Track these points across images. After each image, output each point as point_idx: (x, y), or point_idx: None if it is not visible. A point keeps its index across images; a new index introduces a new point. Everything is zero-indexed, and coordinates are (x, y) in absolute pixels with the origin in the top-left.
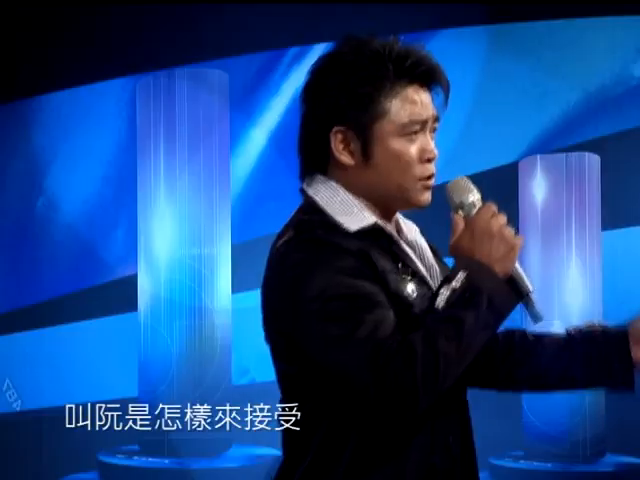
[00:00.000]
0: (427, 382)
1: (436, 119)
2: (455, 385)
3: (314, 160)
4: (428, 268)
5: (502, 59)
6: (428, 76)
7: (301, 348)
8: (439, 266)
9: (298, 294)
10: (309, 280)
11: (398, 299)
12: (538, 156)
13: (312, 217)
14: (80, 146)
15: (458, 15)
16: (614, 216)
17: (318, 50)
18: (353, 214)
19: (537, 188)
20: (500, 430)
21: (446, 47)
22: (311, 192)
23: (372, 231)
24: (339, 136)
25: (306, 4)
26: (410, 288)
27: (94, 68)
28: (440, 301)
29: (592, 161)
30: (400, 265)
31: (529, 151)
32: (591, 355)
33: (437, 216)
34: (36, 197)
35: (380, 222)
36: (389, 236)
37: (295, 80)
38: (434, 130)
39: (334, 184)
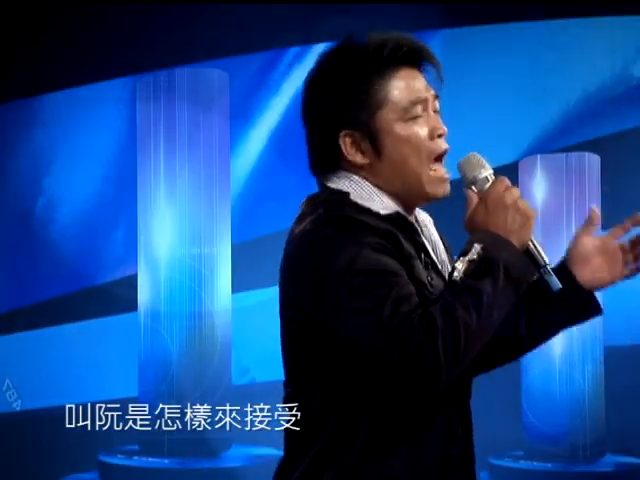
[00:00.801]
0: (449, 353)
1: (435, 97)
2: (465, 375)
3: (327, 164)
4: (440, 263)
5: (502, 58)
6: (414, 57)
7: (322, 325)
8: (449, 263)
9: (324, 268)
10: (336, 254)
11: (419, 285)
12: (538, 156)
13: (340, 197)
14: (80, 146)
15: (459, 15)
16: (614, 216)
17: (318, 50)
18: (376, 202)
19: (537, 188)
20: (500, 430)
21: (447, 47)
22: (332, 184)
23: (396, 219)
24: (347, 139)
25: (306, 4)
26: (430, 277)
27: (94, 68)
28: (457, 273)
29: (592, 161)
30: (422, 254)
31: (529, 151)
32: (546, 300)
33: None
34: (36, 197)
35: (402, 211)
36: (411, 225)
37: (295, 80)
38: (437, 109)
39: (354, 176)
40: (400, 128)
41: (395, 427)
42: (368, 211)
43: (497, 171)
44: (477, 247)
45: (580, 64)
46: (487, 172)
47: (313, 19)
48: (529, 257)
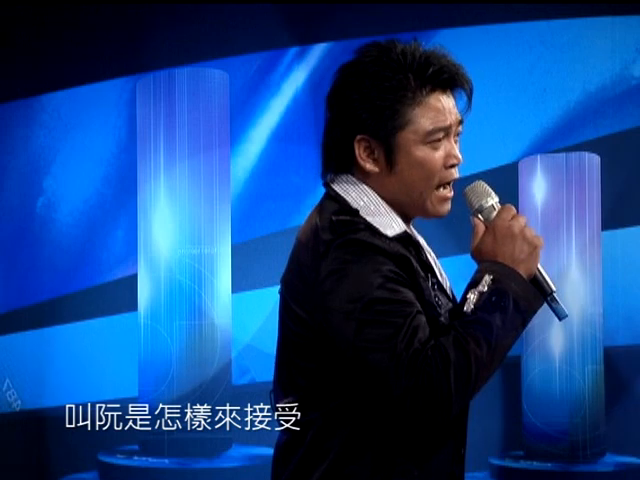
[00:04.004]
0: (460, 386)
1: (460, 122)
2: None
3: (339, 164)
4: (441, 277)
5: (502, 58)
6: (451, 82)
7: (331, 346)
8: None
9: (340, 294)
10: (352, 282)
11: (429, 307)
12: (538, 156)
13: (353, 219)
14: (80, 146)
15: (458, 15)
16: (614, 216)
17: (318, 50)
18: (384, 218)
19: (537, 188)
20: (500, 430)
21: (447, 47)
22: (339, 190)
23: (402, 239)
24: (363, 144)
25: (306, 4)
26: (437, 297)
27: (94, 68)
28: (468, 305)
29: (592, 161)
30: (429, 275)
31: (529, 151)
32: None
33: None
34: (36, 197)
35: (408, 230)
36: (417, 244)
37: (295, 80)
38: (458, 134)
39: (363, 185)
40: (418, 150)
41: (404, 451)
42: (379, 233)
43: (497, 171)
44: (487, 278)
45: (580, 64)
46: (493, 200)
47: (313, 19)
48: (536, 285)
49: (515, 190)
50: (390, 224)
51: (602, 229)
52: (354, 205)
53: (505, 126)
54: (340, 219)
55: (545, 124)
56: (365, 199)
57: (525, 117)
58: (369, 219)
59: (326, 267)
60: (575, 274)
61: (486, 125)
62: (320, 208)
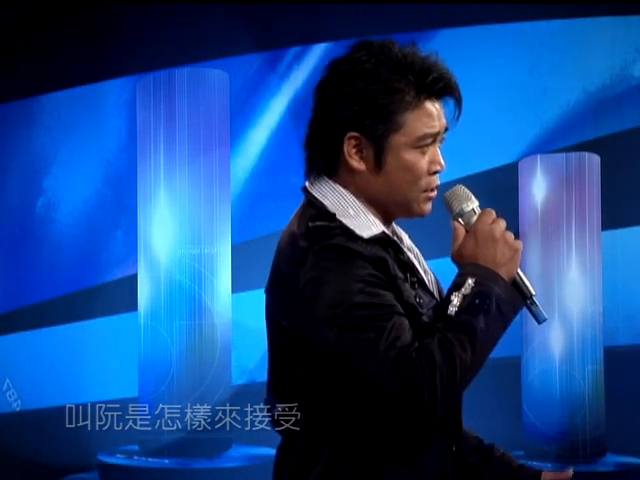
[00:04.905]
0: (445, 389)
1: (446, 129)
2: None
3: (324, 160)
4: (425, 273)
5: (502, 59)
6: (446, 90)
7: (316, 354)
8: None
9: (320, 301)
10: (331, 288)
11: (410, 308)
12: (538, 156)
13: (329, 224)
14: (80, 146)
15: (458, 15)
16: (614, 216)
17: (318, 50)
18: (361, 221)
19: (537, 188)
20: (500, 430)
21: (446, 47)
22: (317, 195)
23: (380, 239)
24: (352, 142)
25: (306, 4)
26: (418, 297)
27: (94, 68)
28: (452, 308)
29: (592, 161)
30: (408, 274)
31: (529, 151)
32: None
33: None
34: (36, 197)
35: (386, 230)
36: (395, 244)
37: (295, 80)
38: (442, 140)
39: (341, 189)
40: (407, 154)
41: (394, 453)
42: (355, 236)
43: (497, 171)
44: (470, 281)
45: (580, 64)
46: (473, 204)
47: (313, 19)
48: (516, 289)
49: (515, 190)
50: (367, 226)
51: (602, 229)
52: (331, 209)
53: (505, 126)
54: (316, 225)
55: (545, 124)
56: (343, 202)
57: (525, 117)
58: (346, 222)
59: (305, 275)
60: (575, 274)
61: (486, 125)
62: (299, 214)
